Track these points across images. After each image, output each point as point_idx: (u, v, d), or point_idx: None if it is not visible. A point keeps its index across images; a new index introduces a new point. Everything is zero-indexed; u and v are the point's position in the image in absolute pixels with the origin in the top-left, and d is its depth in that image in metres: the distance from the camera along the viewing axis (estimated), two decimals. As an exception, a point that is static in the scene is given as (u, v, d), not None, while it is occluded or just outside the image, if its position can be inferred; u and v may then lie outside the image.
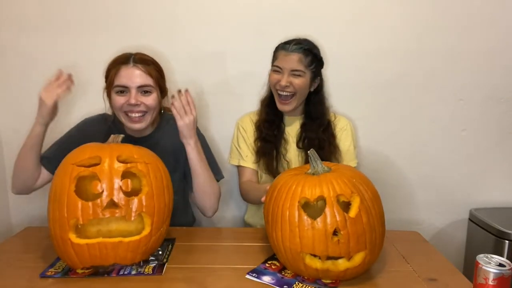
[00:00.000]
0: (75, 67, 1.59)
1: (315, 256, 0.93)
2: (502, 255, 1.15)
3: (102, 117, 1.43)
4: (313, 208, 0.94)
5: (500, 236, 1.47)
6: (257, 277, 0.98)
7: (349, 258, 0.92)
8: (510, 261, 0.82)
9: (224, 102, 1.63)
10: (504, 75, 1.60)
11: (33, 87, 1.61)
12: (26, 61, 1.59)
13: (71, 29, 1.57)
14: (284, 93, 1.40)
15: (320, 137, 1.44)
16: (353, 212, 0.92)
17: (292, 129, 1.50)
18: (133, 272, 0.99)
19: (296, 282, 0.96)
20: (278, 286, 0.94)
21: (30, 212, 1.69)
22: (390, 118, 1.64)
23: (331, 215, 0.91)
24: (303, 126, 1.48)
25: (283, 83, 1.37)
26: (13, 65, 1.60)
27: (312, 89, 1.45)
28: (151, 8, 1.56)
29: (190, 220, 1.53)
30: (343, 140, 1.49)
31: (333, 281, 0.95)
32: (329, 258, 0.93)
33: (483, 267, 0.80)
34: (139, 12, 1.56)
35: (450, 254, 1.62)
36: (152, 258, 1.05)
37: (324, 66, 1.48)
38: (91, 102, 1.60)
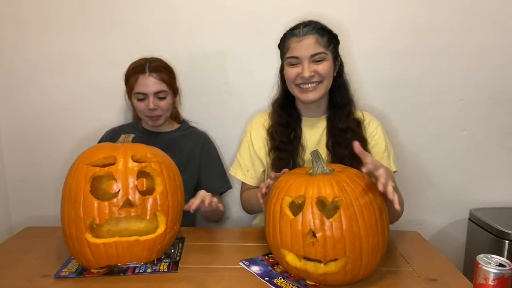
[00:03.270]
0: (75, 68, 1.60)
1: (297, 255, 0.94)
2: (502, 255, 1.15)
3: (131, 125, 1.55)
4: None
5: (500, 236, 1.47)
6: (247, 266, 1.01)
7: (326, 262, 0.90)
8: (510, 261, 0.82)
9: (224, 102, 1.63)
10: (505, 75, 1.60)
11: (33, 87, 1.62)
12: (27, 61, 1.59)
13: (71, 29, 1.57)
14: (310, 85, 1.21)
15: (350, 127, 1.26)
16: (333, 217, 0.89)
17: (313, 134, 1.31)
18: (149, 270, 1.00)
19: (280, 277, 0.96)
20: (260, 277, 0.96)
21: (30, 212, 1.69)
22: (389, 118, 1.64)
23: (307, 216, 0.90)
24: (329, 120, 1.29)
25: (306, 74, 1.18)
26: (14, 65, 1.60)
27: (335, 74, 1.27)
28: (151, 8, 1.55)
29: (191, 221, 1.54)
30: (376, 147, 1.31)
31: (316, 284, 0.95)
32: (308, 259, 0.92)
33: (483, 267, 0.80)
34: (139, 12, 1.56)
35: (450, 254, 1.61)
36: (164, 256, 1.07)
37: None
38: (96, 103, 1.61)
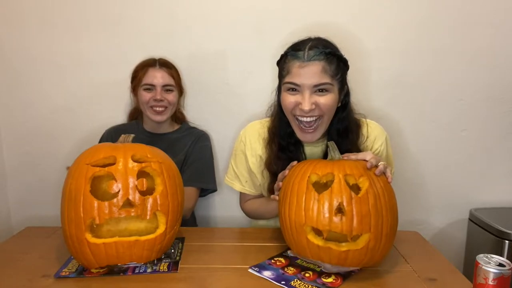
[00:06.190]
0: (76, 68, 1.60)
1: (318, 235, 0.95)
2: (502, 255, 1.15)
3: (131, 125, 1.55)
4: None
5: (500, 236, 1.47)
6: (258, 272, 0.99)
7: (351, 237, 0.93)
8: (510, 261, 0.82)
9: (224, 102, 1.63)
10: (504, 75, 1.60)
11: (34, 87, 1.62)
12: (27, 61, 1.59)
13: (71, 29, 1.57)
14: (308, 119, 1.08)
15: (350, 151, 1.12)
16: (360, 193, 0.94)
17: (312, 157, 1.22)
18: (149, 270, 1.00)
19: (295, 279, 0.96)
20: (276, 281, 0.95)
21: (30, 212, 1.69)
22: (389, 118, 1.64)
23: (337, 190, 0.93)
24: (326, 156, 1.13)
25: (306, 107, 1.04)
26: (14, 65, 1.60)
27: (339, 104, 1.12)
28: (151, 8, 1.56)
29: (192, 222, 1.54)
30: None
31: (335, 280, 0.95)
32: (330, 239, 0.94)
33: (483, 267, 0.80)
34: (139, 12, 1.56)
35: (450, 254, 1.62)
36: (163, 256, 1.07)
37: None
38: (96, 103, 1.61)
